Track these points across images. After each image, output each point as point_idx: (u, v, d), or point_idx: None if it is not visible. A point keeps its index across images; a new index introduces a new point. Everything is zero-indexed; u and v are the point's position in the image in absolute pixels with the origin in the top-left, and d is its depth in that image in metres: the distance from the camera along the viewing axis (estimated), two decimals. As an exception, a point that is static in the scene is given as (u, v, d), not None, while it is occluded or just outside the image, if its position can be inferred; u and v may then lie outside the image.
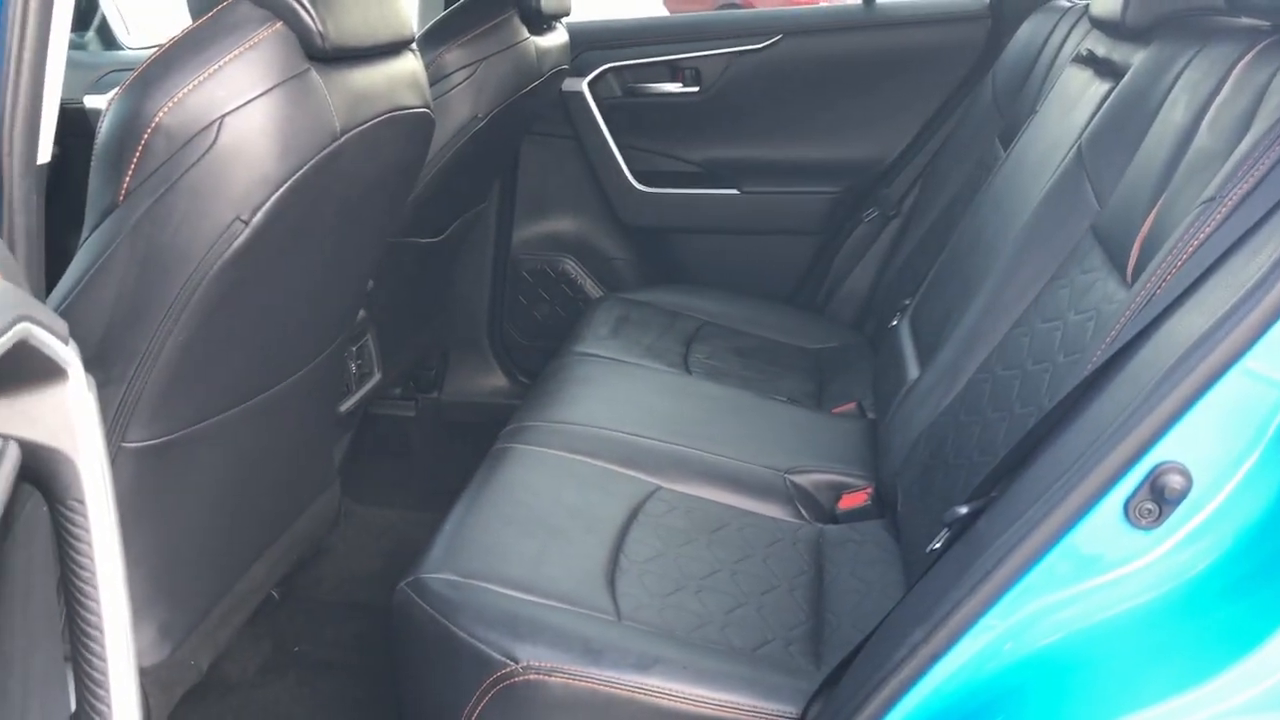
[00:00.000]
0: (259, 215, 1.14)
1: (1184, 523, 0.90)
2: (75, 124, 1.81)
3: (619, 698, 1.18)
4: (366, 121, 1.29)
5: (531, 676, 1.18)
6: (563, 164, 2.73)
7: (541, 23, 2.26)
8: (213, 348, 1.19)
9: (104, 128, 1.12)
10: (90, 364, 1.11)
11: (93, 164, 1.13)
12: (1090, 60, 1.83)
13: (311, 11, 1.19)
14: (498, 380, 2.77)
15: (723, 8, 7.12)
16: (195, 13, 1.21)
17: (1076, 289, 1.42)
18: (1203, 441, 0.88)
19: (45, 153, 0.96)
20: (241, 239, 1.13)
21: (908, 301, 2.12)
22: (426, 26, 2.08)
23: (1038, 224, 1.62)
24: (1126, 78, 1.61)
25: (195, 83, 1.10)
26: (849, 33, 2.74)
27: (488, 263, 2.72)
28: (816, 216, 2.71)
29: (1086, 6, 2.00)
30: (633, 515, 1.55)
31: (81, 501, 0.71)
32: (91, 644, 0.72)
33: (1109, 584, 0.92)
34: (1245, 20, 1.39)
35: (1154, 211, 1.28)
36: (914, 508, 1.54)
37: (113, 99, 1.13)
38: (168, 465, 1.22)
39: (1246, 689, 0.83)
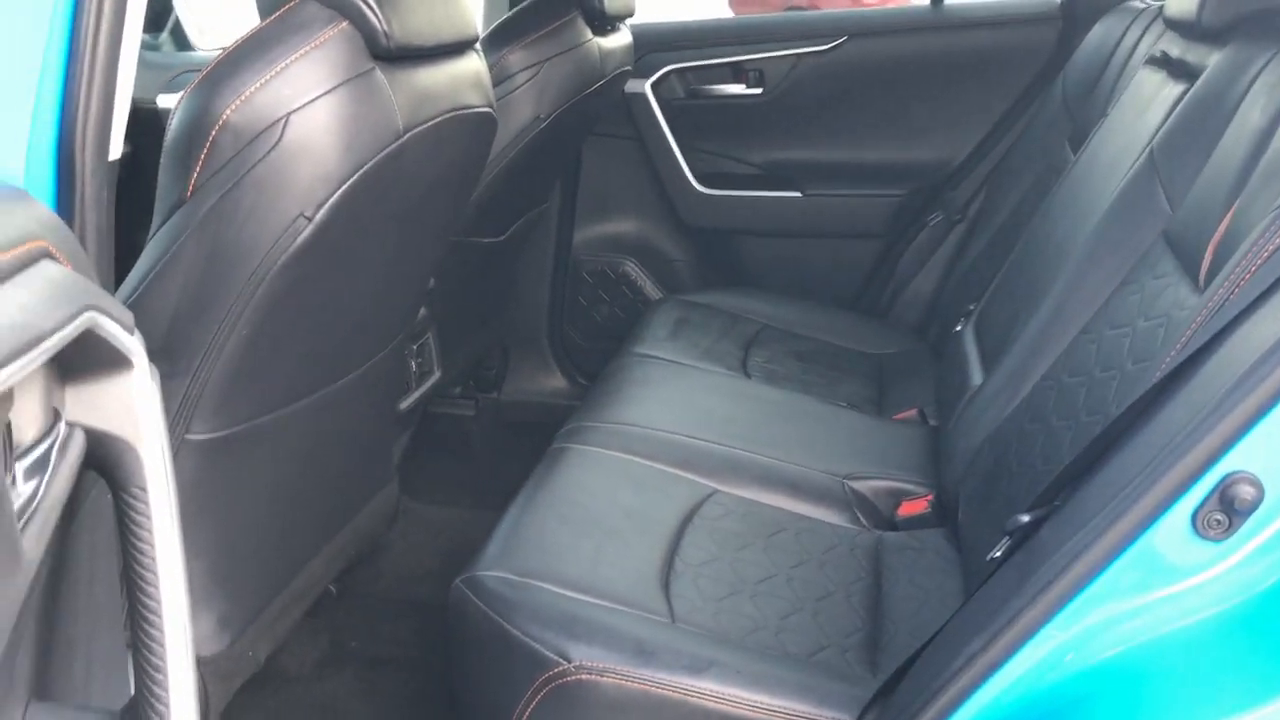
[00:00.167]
0: (322, 212, 1.15)
1: (1254, 535, 0.87)
2: (148, 123, 1.85)
3: (671, 700, 1.17)
4: (429, 120, 1.29)
5: (584, 676, 1.18)
6: (624, 165, 2.73)
7: (605, 24, 2.26)
8: (275, 343, 1.21)
9: (173, 125, 1.14)
10: (156, 356, 1.13)
11: (162, 161, 1.15)
12: (1164, 62, 1.79)
13: (377, 11, 1.20)
14: (557, 381, 2.78)
15: (788, 10, 7.09)
16: (264, 13, 1.22)
17: (1147, 295, 1.38)
18: (1275, 451, 0.85)
19: (116, 150, 0.98)
20: (305, 235, 1.15)
21: (972, 306, 2.09)
22: (491, 27, 2.10)
23: (1107, 228, 1.58)
24: (1201, 79, 1.57)
25: (262, 81, 1.12)
26: (916, 34, 2.70)
27: (549, 263, 2.73)
28: (880, 220, 2.68)
29: (1161, 7, 1.95)
30: (688, 518, 1.54)
31: (144, 489, 0.73)
32: (151, 629, 0.73)
33: (1175, 596, 0.90)
34: (1327, 20, 1.35)
35: (1228, 216, 1.24)
36: (975, 516, 1.52)
37: (182, 97, 1.15)
38: (229, 458, 1.24)
39: (1318, 708, 0.80)
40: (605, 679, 1.18)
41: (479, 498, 2.32)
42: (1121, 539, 0.89)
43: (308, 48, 1.15)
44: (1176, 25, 1.80)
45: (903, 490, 1.71)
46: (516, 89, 1.98)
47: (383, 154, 1.20)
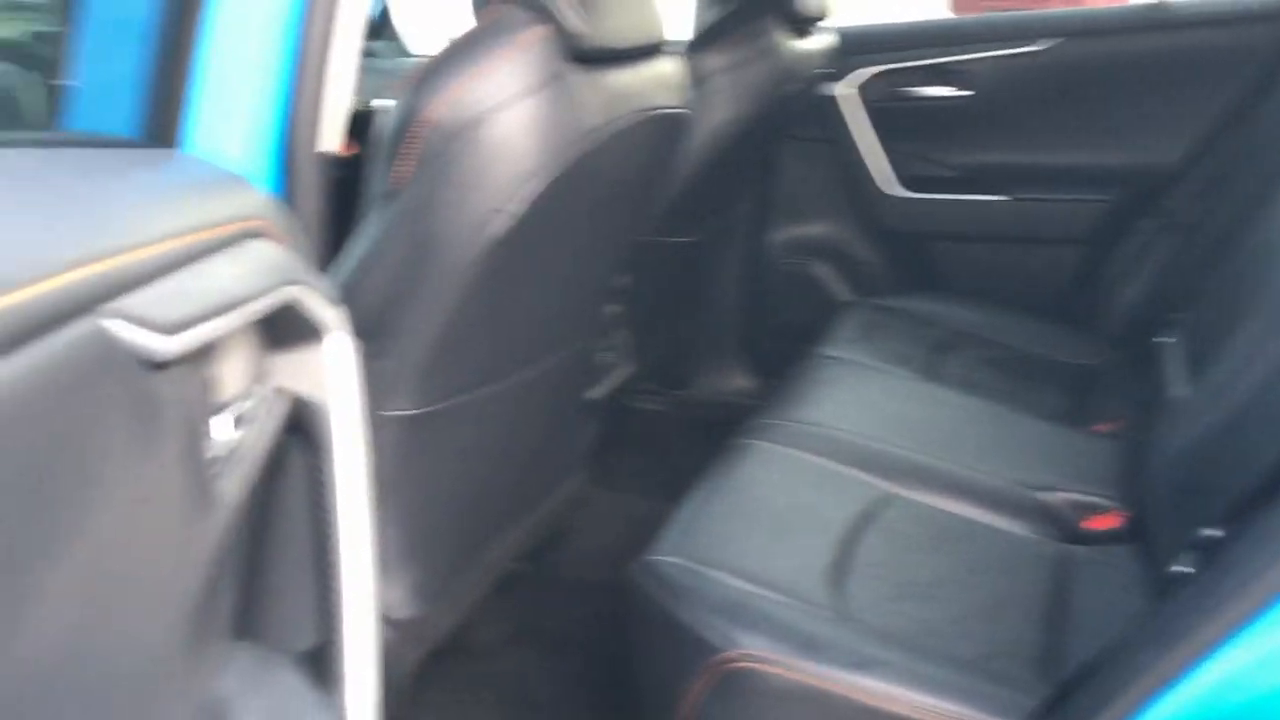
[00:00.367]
0: (517, 207, 1.21)
1: None
2: (369, 124, 1.98)
3: (834, 694, 1.18)
4: (621, 120, 1.34)
5: (750, 664, 1.21)
6: (819, 167, 2.73)
7: (803, 26, 2.27)
8: (470, 329, 1.28)
9: (384, 124, 1.22)
10: (363, 337, 1.23)
11: (373, 156, 1.24)
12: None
13: (576, 16, 1.26)
14: (745, 381, 2.80)
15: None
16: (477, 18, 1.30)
17: (1370, 307, 1.29)
18: None
19: (328, 143, 1.07)
20: (499, 229, 1.21)
21: (1179, 316, 1.99)
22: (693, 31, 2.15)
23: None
24: None
25: (465, 82, 1.19)
26: (1136, 34, 2.58)
27: (740, 264, 2.75)
28: (1086, 224, 2.58)
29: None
30: (866, 519, 1.54)
31: (334, 451, 0.79)
32: (333, 583, 0.80)
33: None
34: None
35: None
36: (1169, 534, 1.45)
37: (395, 98, 1.23)
38: (426, 435, 1.32)
39: None
40: (770, 668, 1.20)
41: (667, 489, 2.36)
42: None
43: (509, 50, 1.21)
44: None
45: (1093, 504, 1.65)
46: (712, 91, 2.01)
47: (576, 153, 1.26)
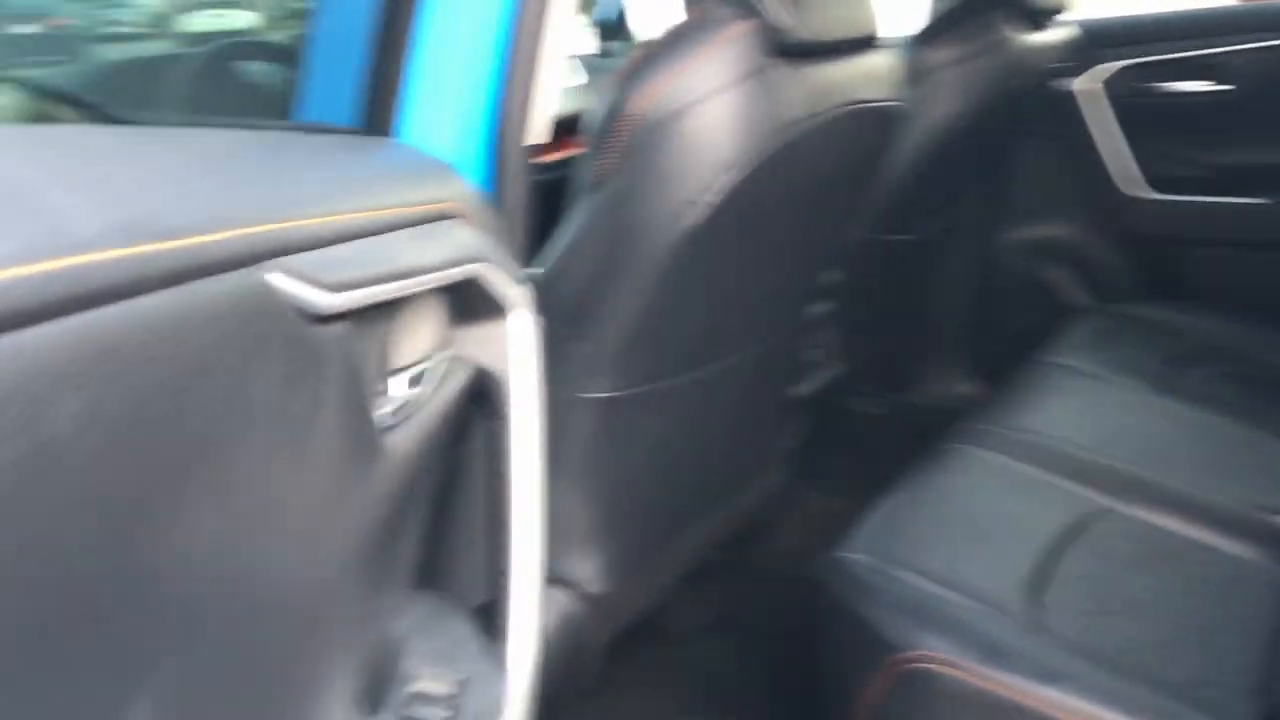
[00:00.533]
0: (713, 198, 1.24)
1: None
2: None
3: (1017, 705, 1.14)
4: (825, 114, 1.34)
5: (929, 665, 1.18)
6: (1055, 166, 2.61)
7: (1038, 19, 2.19)
8: (665, 318, 1.31)
9: (592, 117, 1.28)
10: (566, 321, 1.29)
11: (581, 149, 1.29)
12: None
13: (783, 10, 1.27)
14: (967, 386, 2.71)
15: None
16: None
17: None
18: None
19: (536, 135, 1.13)
20: (695, 220, 1.24)
21: None
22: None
23: None
24: None
25: (669, 77, 1.22)
26: None
27: (967, 266, 2.67)
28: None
29: None
30: (1074, 531, 1.47)
31: (511, 421, 0.85)
32: (504, 544, 0.85)
33: None
34: None
35: None
36: None
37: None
38: (621, 418, 1.37)
39: None
40: (951, 671, 1.17)
41: (878, 492, 2.32)
42: None
43: (713, 45, 1.24)
44: None
45: (1340, 533, 1.51)
46: (937, 85, 1.97)
47: (774, 145, 1.27)
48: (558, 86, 1.18)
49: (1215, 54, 2.47)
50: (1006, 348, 2.68)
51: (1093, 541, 1.45)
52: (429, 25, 1.04)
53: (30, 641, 0.44)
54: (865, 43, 1.45)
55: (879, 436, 2.67)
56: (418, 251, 0.72)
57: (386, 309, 0.74)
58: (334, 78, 1.02)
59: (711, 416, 1.54)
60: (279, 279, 0.56)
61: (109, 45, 2.56)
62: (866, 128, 1.46)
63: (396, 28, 1.00)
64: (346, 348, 0.64)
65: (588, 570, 1.43)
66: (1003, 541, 1.42)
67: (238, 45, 2.28)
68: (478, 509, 0.94)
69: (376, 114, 0.99)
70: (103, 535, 0.46)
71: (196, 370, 0.49)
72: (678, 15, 1.40)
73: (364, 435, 0.70)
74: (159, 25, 2.61)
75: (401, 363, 0.79)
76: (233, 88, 1.95)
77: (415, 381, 0.79)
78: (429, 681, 0.84)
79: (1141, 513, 1.54)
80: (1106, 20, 2.65)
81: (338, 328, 0.63)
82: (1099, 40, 2.51)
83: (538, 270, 1.32)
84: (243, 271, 0.53)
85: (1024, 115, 2.38)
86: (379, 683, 0.84)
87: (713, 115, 1.23)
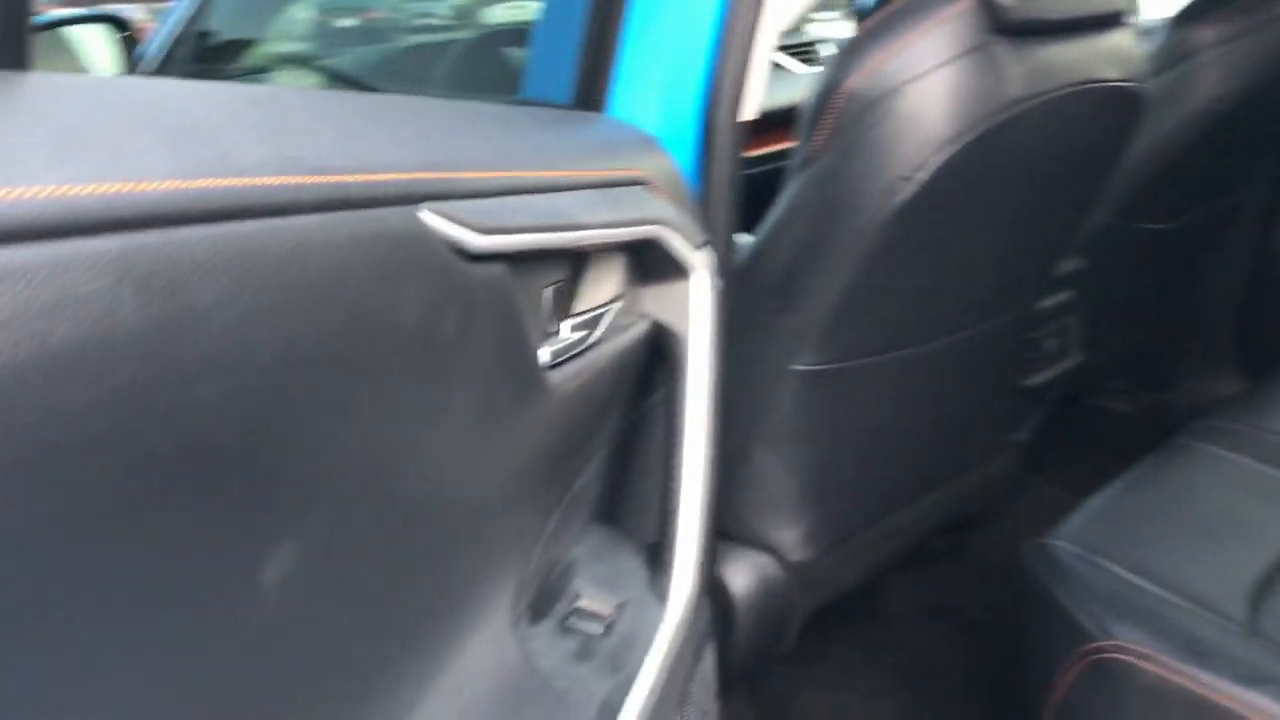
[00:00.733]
0: (923, 175, 1.24)
1: None
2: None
3: (1213, 704, 1.10)
4: (1049, 93, 1.32)
5: (1122, 656, 1.15)
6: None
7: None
8: (874, 294, 1.33)
9: (810, 95, 1.31)
10: (775, 293, 1.33)
11: (798, 125, 1.33)
12: None
13: None
14: (1231, 387, 2.54)
15: None
16: None
17: None
18: None
19: (748, 111, 1.18)
20: (905, 197, 1.25)
21: None
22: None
23: None
24: None
25: (885, 55, 1.24)
26: None
27: (1240, 259, 2.49)
28: None
29: None
30: (1315, 540, 1.38)
31: (687, 375, 0.90)
32: (674, 489, 0.91)
33: None
34: None
35: None
36: None
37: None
38: (827, 392, 1.40)
39: None
40: (1144, 664, 1.14)
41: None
42: None
43: (931, 23, 1.25)
44: None
45: None
46: (1200, 66, 1.87)
47: (991, 124, 1.26)
48: (764, 62, 1.23)
49: None
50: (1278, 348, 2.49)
51: (1335, 553, 1.36)
52: (643, 4, 1.11)
53: (160, 476, 0.50)
54: (1107, 20, 1.41)
55: (1126, 435, 2.54)
56: (590, 210, 0.78)
57: (557, 258, 0.81)
58: (554, 57, 1.11)
59: (924, 398, 1.54)
60: (430, 217, 0.64)
61: (414, 35, 2.73)
62: (1101, 109, 1.42)
63: (611, 6, 1.08)
64: (502, 286, 0.72)
65: (788, 538, 1.47)
66: (1228, 543, 1.35)
67: (505, 32, 2.44)
68: (652, 456, 1.00)
69: (589, 90, 1.07)
70: (233, 401, 0.52)
71: (337, 281, 0.56)
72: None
73: (523, 369, 0.77)
74: (463, 17, 2.78)
75: (578, 309, 0.86)
76: (491, 70, 2.11)
77: (589, 326, 0.86)
78: (591, 600, 0.92)
79: (1397, 528, 1.42)
80: None
81: (493, 267, 0.70)
82: None
83: (746, 240, 1.37)
84: (396, 209, 0.61)
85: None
86: (549, 599, 0.92)
87: (929, 92, 1.24)
